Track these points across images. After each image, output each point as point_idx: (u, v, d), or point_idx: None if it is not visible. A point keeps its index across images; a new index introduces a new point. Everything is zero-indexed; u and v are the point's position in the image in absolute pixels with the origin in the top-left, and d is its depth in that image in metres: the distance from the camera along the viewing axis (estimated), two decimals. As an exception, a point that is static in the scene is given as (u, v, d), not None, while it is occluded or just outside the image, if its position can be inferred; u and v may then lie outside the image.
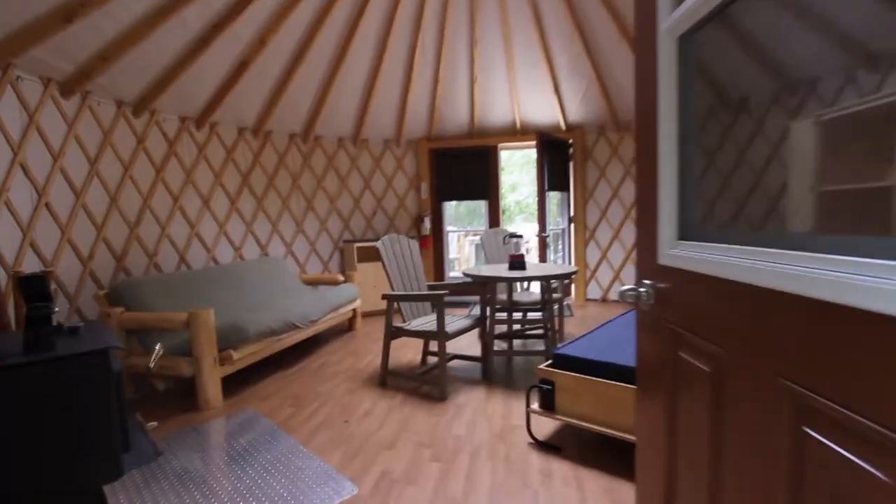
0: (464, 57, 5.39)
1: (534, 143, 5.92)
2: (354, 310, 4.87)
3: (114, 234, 3.83)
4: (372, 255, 5.68)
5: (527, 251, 8.98)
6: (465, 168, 6.18)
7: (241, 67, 4.33)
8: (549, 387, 2.26)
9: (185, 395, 3.02)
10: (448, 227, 6.49)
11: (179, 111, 4.38)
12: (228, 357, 2.99)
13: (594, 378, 2.14)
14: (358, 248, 5.56)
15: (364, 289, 5.49)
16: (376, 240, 5.83)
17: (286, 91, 4.88)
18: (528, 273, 3.18)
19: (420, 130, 6.18)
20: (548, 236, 5.37)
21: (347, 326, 4.92)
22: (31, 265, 3.18)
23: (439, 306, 2.99)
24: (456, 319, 3.36)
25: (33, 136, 3.25)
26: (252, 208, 5.14)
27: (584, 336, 2.67)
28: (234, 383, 3.23)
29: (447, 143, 6.18)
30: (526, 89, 5.65)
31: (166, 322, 2.94)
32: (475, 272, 3.29)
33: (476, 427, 2.58)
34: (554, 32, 4.90)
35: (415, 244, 3.65)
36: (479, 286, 3.31)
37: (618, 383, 2.05)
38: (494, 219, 6.22)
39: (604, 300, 5.98)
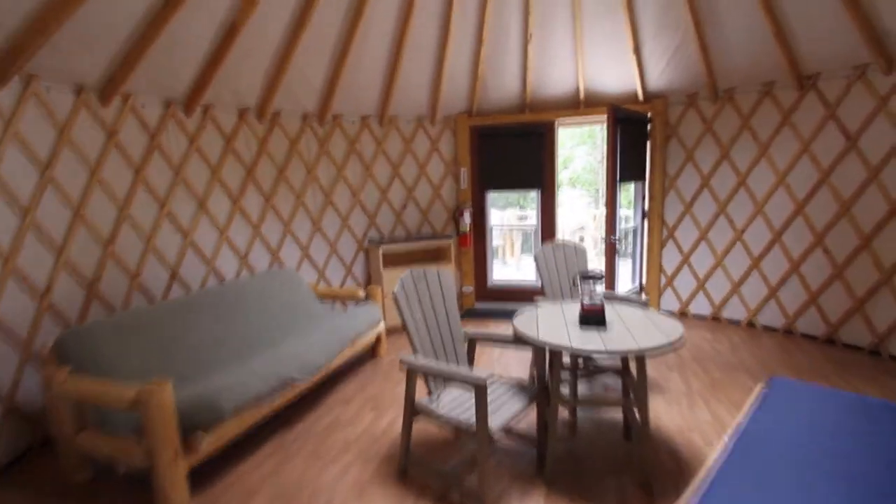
0: (516, 7, 4.20)
1: (601, 117, 4.75)
2: (379, 334, 4.03)
3: (81, 255, 3.11)
4: (401, 259, 4.80)
5: (580, 239, 7.81)
6: (514, 150, 5.07)
7: (230, 33, 3.40)
8: None
9: (148, 484, 2.29)
10: (492, 221, 5.46)
11: (162, 94, 3.53)
12: (195, 444, 2.22)
13: None
14: (384, 253, 4.66)
15: (391, 300, 4.64)
16: (406, 240, 5.13)
17: (291, 61, 3.92)
18: (609, 337, 2.11)
19: (459, 104, 5.09)
20: (618, 240, 4.27)
21: (370, 353, 4.11)
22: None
23: (480, 398, 2.01)
24: (501, 390, 2.43)
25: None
26: (259, 207, 4.32)
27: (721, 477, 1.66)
28: (211, 466, 2.48)
29: (492, 120, 5.07)
30: (595, 49, 4.42)
31: (108, 398, 2.19)
32: (531, 333, 2.26)
33: None
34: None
35: (446, 277, 2.70)
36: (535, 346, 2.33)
37: None
38: (548, 214, 5.14)
39: (682, 314, 4.86)
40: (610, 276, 4.27)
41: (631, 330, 2.25)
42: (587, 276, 2.22)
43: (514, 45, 4.52)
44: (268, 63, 3.89)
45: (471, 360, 2.69)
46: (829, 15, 3.31)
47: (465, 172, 5.20)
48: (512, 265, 7.75)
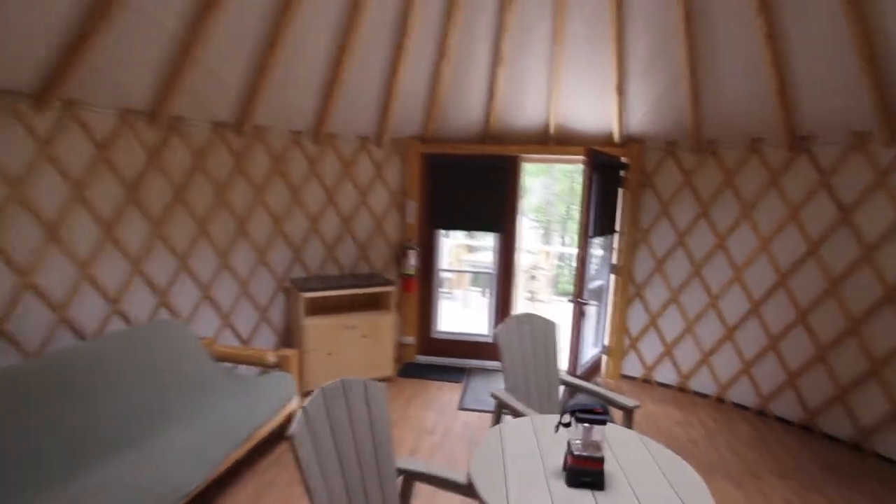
0: (487, 26, 3.57)
1: (570, 157, 4.20)
2: (292, 412, 3.15)
3: None
4: (331, 304, 3.96)
5: (532, 278, 7.24)
6: (471, 185, 4.39)
7: (100, 13, 2.47)
8: None
9: None
10: (441, 265, 4.74)
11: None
12: None
13: None
14: (309, 299, 3.78)
15: (315, 357, 3.77)
16: (339, 281, 4.09)
17: (197, 53, 3.01)
18: None
19: (411, 128, 4.35)
20: (586, 304, 3.69)
21: (279, 432, 3.20)
22: None
23: None
24: None
25: None
26: (144, 236, 3.32)
27: None
28: None
29: (449, 149, 4.37)
30: (574, 80, 3.87)
31: None
32: (495, 498, 1.52)
33: None
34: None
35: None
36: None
37: None
38: (507, 258, 4.50)
39: (646, 381, 4.37)
40: (576, 344, 3.67)
41: (641, 497, 1.57)
42: (582, 412, 1.54)
43: (481, 65, 3.87)
44: (162, 55, 2.96)
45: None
46: (838, 75, 2.93)
47: (412, 206, 4.45)
48: (459, 298, 7.06)
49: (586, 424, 1.54)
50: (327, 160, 4.24)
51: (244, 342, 3.97)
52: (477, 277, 7.63)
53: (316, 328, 3.78)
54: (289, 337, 4.20)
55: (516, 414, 2.35)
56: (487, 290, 7.83)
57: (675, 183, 4.07)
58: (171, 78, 3.07)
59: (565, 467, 1.58)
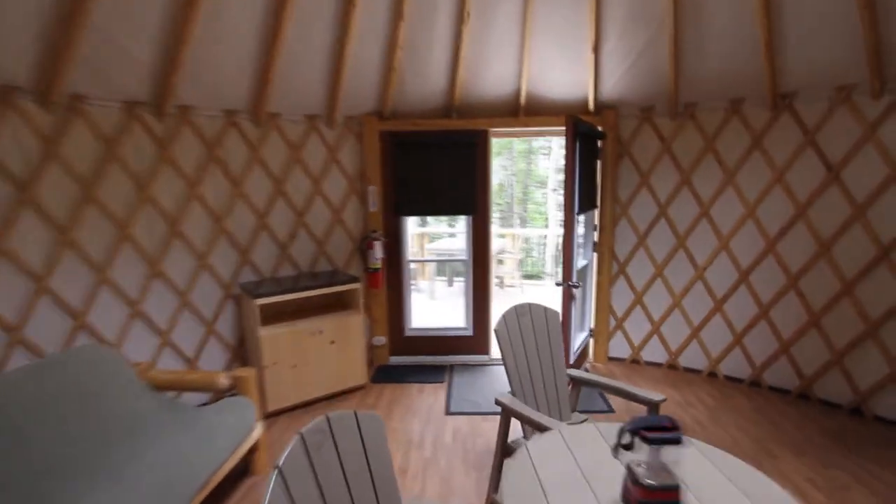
0: (448, -23, 3.14)
1: (543, 129, 3.87)
2: (256, 443, 2.64)
3: None
4: (289, 310, 3.45)
5: (499, 262, 6.91)
6: (438, 164, 3.97)
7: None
8: None
9: None
10: (410, 254, 4.30)
11: None
12: None
13: None
14: (264, 306, 3.25)
15: (276, 372, 3.26)
16: (297, 282, 3.48)
17: (90, 18, 2.39)
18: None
19: (367, 103, 3.86)
20: (577, 286, 3.39)
21: (242, 467, 2.69)
22: None
23: None
24: None
25: None
26: (47, 245, 2.67)
27: None
28: None
29: (411, 125, 3.92)
30: (547, 41, 3.51)
31: None
32: None
33: None
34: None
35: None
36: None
37: None
38: (481, 243, 4.13)
39: (634, 361, 4.18)
40: (567, 331, 3.38)
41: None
42: (649, 430, 1.18)
43: (443, 25, 3.43)
44: (41, 18, 2.32)
45: None
46: (830, 25, 2.76)
47: (374, 191, 3.98)
48: (425, 289, 6.66)
49: (655, 445, 1.20)
50: (271, 144, 3.67)
51: (190, 362, 3.39)
52: (442, 266, 7.25)
53: (274, 338, 3.26)
54: (243, 352, 3.64)
55: (530, 424, 2.00)
56: (454, 279, 7.54)
57: (654, 151, 3.85)
58: (63, 49, 2.43)
59: (630, 501, 1.23)
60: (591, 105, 3.84)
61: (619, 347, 4.22)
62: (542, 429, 1.93)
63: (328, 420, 1.28)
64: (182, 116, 3.19)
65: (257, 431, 2.61)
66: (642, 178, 3.91)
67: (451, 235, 8.36)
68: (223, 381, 2.64)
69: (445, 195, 4.01)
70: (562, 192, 10.35)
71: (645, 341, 4.12)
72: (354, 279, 3.66)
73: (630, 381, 3.81)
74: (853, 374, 3.20)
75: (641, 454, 1.25)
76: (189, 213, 3.31)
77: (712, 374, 3.86)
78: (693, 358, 3.94)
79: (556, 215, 10.14)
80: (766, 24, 2.90)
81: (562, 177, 10.08)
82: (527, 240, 8.31)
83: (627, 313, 4.14)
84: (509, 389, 2.29)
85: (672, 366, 4.03)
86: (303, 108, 3.70)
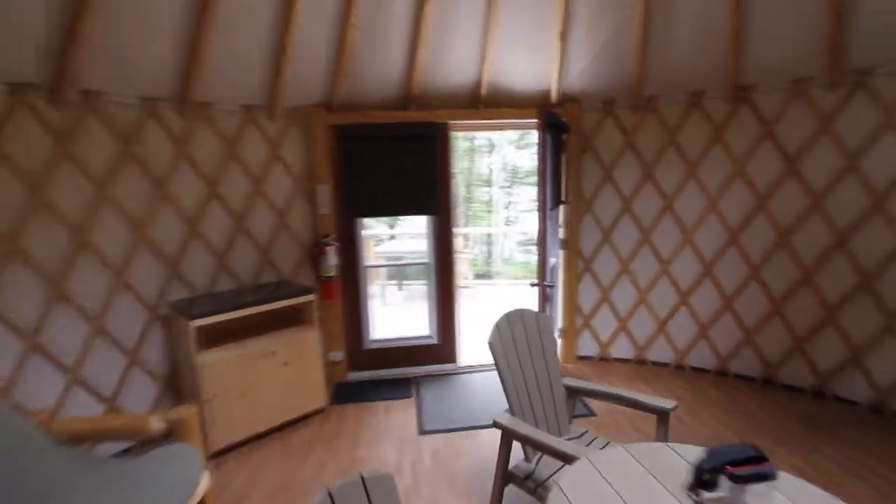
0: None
1: (506, 121, 3.69)
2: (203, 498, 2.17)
3: None
4: (232, 332, 2.98)
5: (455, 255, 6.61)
6: (396, 160, 3.64)
7: None
8: None
9: None
10: (367, 261, 3.93)
11: None
12: None
13: None
14: (201, 327, 2.75)
15: (221, 405, 2.78)
16: (239, 297, 2.93)
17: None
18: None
19: (313, 93, 3.45)
20: (552, 286, 3.22)
21: (183, 527, 2.20)
22: None
23: None
24: None
25: None
26: None
27: None
28: None
29: (364, 117, 3.56)
30: (512, 27, 3.30)
31: None
32: None
33: None
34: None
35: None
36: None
37: None
38: (444, 245, 3.85)
39: (603, 359, 4.10)
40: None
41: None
42: (736, 464, 0.96)
43: (403, 5, 3.11)
44: None
45: None
46: (793, 16, 2.78)
47: (324, 191, 3.57)
48: (376, 295, 6.26)
49: (744, 484, 0.98)
50: (202, 138, 3.15)
51: (109, 403, 2.80)
52: (395, 270, 6.90)
53: (217, 365, 2.78)
54: (177, 383, 3.10)
55: (539, 448, 1.76)
56: (403, 283, 7.19)
57: (617, 145, 3.78)
58: (68, 37, 1.85)
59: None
60: (554, 97, 3.69)
61: (586, 346, 4.13)
62: (551, 451, 1.70)
63: (330, 496, 0.94)
64: (87, 104, 2.61)
65: (203, 485, 2.15)
66: (606, 172, 3.83)
67: (392, 238, 8.01)
68: (156, 425, 2.15)
69: (405, 194, 3.69)
70: (510, 189, 10.35)
71: (613, 337, 4.05)
72: (308, 290, 3.23)
73: (602, 379, 3.72)
74: (814, 358, 3.30)
75: (720, 490, 1.03)
76: (100, 219, 2.73)
77: (679, 367, 3.87)
78: (660, 352, 3.92)
79: (505, 214, 10.11)
80: (734, 16, 2.88)
81: (506, 174, 10.05)
82: (473, 239, 8.18)
83: (595, 311, 4.05)
84: (506, 408, 2.04)
85: (640, 361, 4.00)
86: (239, 96, 3.22)
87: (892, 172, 2.84)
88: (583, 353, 4.14)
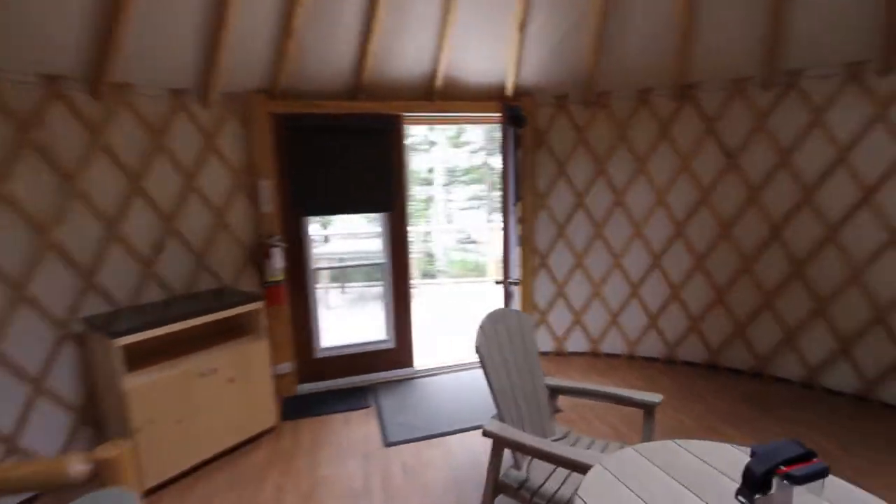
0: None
1: (461, 114, 3.59)
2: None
3: None
4: (165, 349, 2.60)
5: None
6: (346, 153, 3.40)
7: None
8: None
9: None
10: (316, 264, 3.64)
11: None
12: None
13: None
14: (127, 346, 2.35)
15: (154, 433, 2.41)
16: (170, 308, 2.56)
17: None
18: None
19: (253, 77, 3.12)
20: (516, 283, 3.15)
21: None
22: None
23: None
24: None
25: None
26: None
27: None
28: None
29: (311, 107, 3.27)
30: (469, 17, 3.18)
31: None
32: None
33: None
34: None
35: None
36: None
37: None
38: (399, 244, 3.67)
39: (559, 354, 4.13)
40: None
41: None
42: (788, 463, 0.91)
43: (353, -12, 2.88)
44: None
45: None
46: (736, 14, 2.92)
47: (267, 187, 3.24)
48: (320, 298, 5.88)
49: (802, 484, 0.93)
50: (121, 125, 2.71)
51: (8, 443, 2.31)
52: (338, 272, 6.56)
53: (147, 389, 2.39)
54: (95, 414, 2.64)
55: (535, 454, 1.66)
56: (345, 285, 6.86)
57: (570, 140, 3.81)
58: None
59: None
60: (509, 90, 3.63)
61: (542, 341, 4.13)
62: (562, 462, 1.60)
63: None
64: (-32, 78, 2.13)
65: (145, 532, 1.81)
66: (560, 167, 3.85)
67: (326, 240, 7.64)
68: (77, 467, 1.77)
69: (356, 190, 3.45)
70: (452, 188, 10.28)
71: (568, 332, 4.09)
72: (253, 297, 2.90)
73: (561, 373, 3.73)
74: (753, 342, 3.52)
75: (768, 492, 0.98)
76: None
77: (631, 357, 3.98)
78: (613, 343, 4.02)
79: (445, 212, 10.04)
80: (686, 11, 2.97)
81: (444, 172, 9.99)
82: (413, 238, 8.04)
83: (550, 306, 4.06)
84: (494, 413, 1.92)
85: (594, 353, 4.07)
86: (165, 79, 2.81)
87: (820, 168, 3.08)
88: (539, 348, 4.13)
